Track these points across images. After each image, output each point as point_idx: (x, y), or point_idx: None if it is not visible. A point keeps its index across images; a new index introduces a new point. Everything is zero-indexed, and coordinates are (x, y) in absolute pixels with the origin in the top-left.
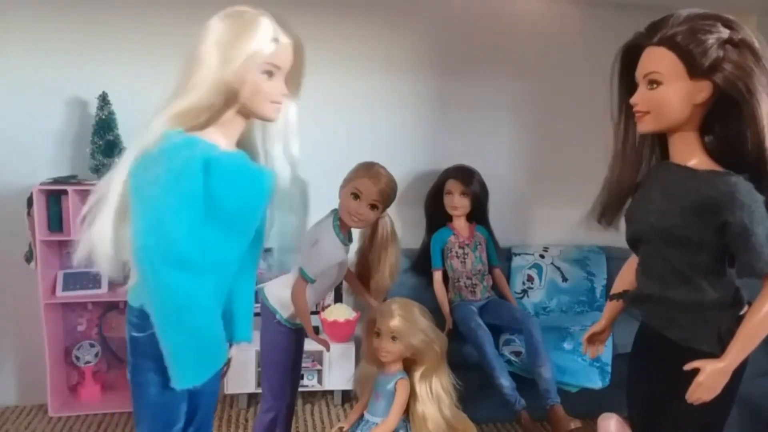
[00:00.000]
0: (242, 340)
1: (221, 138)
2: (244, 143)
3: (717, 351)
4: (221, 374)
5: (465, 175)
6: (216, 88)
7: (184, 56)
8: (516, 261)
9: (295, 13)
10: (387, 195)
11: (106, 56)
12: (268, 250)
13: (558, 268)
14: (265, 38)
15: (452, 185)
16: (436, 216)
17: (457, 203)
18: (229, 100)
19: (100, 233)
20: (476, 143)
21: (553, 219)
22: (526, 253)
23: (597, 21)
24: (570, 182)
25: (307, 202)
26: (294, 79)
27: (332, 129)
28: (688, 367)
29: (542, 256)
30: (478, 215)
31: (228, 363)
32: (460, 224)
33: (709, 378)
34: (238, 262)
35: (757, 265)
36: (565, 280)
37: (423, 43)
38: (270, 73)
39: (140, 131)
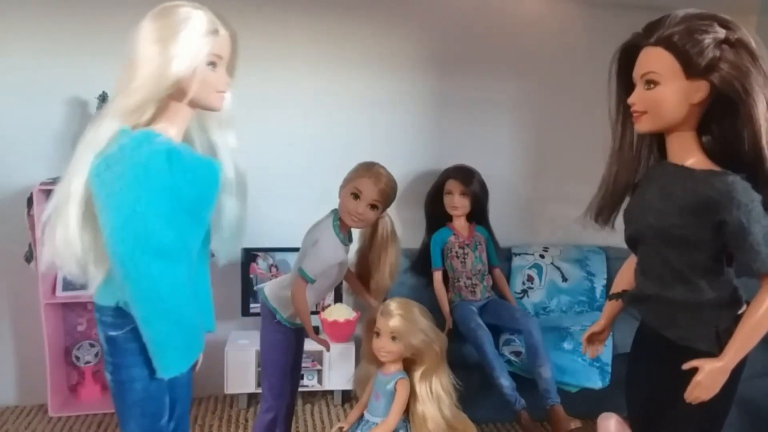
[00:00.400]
0: (209, 330)
1: (172, 130)
2: (187, 136)
3: (715, 350)
4: (193, 365)
5: (465, 175)
6: (162, 84)
7: (124, 57)
8: (516, 261)
9: (296, 13)
10: (387, 195)
11: (106, 56)
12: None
13: (558, 268)
14: (205, 31)
15: (452, 185)
16: (436, 216)
17: (457, 203)
18: (177, 94)
19: (66, 236)
20: (476, 143)
21: (553, 219)
22: (526, 253)
23: (597, 21)
24: (570, 182)
25: (246, 191)
26: (232, 68)
27: (332, 129)
28: (686, 366)
29: (542, 256)
30: (478, 215)
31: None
32: (460, 224)
33: (707, 377)
34: (197, 251)
35: (754, 264)
36: (565, 280)
37: (423, 43)
38: (213, 64)
39: (88, 132)
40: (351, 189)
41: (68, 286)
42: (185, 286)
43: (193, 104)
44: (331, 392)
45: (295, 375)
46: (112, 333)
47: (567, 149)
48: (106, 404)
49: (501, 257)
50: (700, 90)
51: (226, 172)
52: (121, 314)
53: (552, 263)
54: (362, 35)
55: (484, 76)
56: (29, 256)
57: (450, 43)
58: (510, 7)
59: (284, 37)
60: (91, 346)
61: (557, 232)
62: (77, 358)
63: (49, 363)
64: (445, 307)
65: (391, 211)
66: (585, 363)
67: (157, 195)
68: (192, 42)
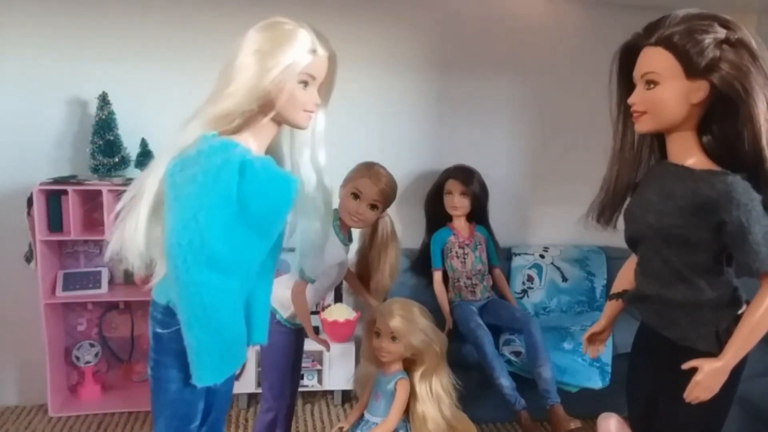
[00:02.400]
0: (258, 342)
1: (253, 143)
2: (272, 149)
3: (715, 350)
4: (236, 375)
5: (465, 175)
6: (253, 95)
7: (223, 64)
8: (516, 261)
9: (295, 14)
10: (387, 195)
11: (106, 56)
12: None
13: (558, 268)
14: (304, 49)
15: (452, 185)
16: (436, 216)
17: (457, 203)
18: (265, 107)
19: (133, 229)
20: (476, 143)
21: (553, 219)
22: (526, 253)
23: (597, 21)
24: (570, 182)
25: (330, 209)
26: (325, 90)
27: (332, 129)
28: (686, 366)
29: (542, 256)
30: (478, 215)
31: (243, 364)
32: (460, 224)
33: (707, 377)
34: (260, 265)
35: (754, 264)
36: (565, 280)
37: (423, 43)
38: (306, 83)
39: (176, 133)
40: (351, 189)
41: (68, 286)
42: (233, 298)
43: (280, 120)
44: (331, 392)
45: (295, 375)
46: (159, 330)
47: (567, 149)
48: (106, 404)
49: (501, 257)
50: (700, 90)
51: (305, 189)
52: (170, 313)
53: (552, 263)
54: (362, 36)
55: (484, 76)
56: (29, 256)
57: (450, 44)
58: (510, 7)
59: None
60: (91, 346)
61: (557, 232)
62: (77, 358)
63: (49, 363)
64: (445, 307)
65: (391, 211)
66: (585, 363)
67: (222, 205)
68: (287, 58)
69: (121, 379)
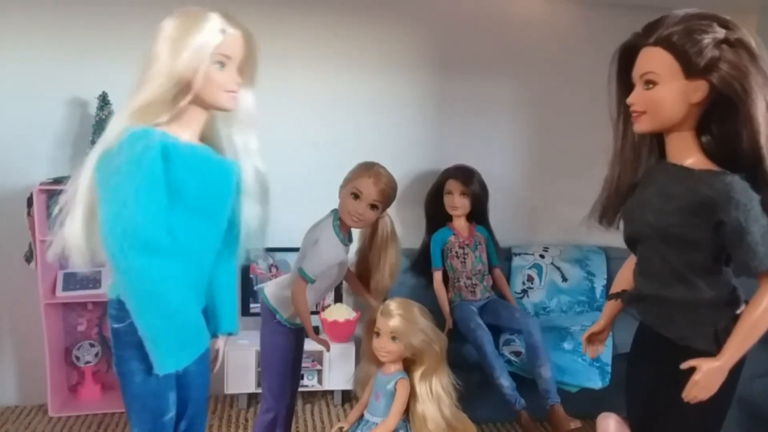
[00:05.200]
0: (228, 332)
1: (182, 131)
2: (209, 138)
3: (713, 350)
4: (210, 368)
5: (465, 175)
6: (169, 81)
7: (141, 57)
8: (516, 261)
9: (296, 13)
10: (387, 195)
11: (106, 56)
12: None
13: (558, 268)
14: (212, 30)
15: (452, 185)
16: (436, 216)
17: (457, 203)
18: (182, 90)
19: (72, 229)
20: (476, 143)
21: (553, 219)
22: (526, 253)
23: (597, 21)
24: (570, 182)
25: (268, 193)
26: (248, 70)
27: (332, 129)
28: (684, 365)
29: (542, 256)
30: (478, 215)
31: (216, 355)
32: (460, 224)
33: (705, 377)
34: (214, 252)
35: (752, 263)
36: (565, 280)
37: (423, 43)
38: (222, 64)
39: (104, 131)
40: (351, 189)
41: (68, 286)
42: (177, 281)
43: (204, 104)
44: (331, 392)
45: (295, 375)
46: (115, 325)
47: (567, 149)
48: (106, 404)
49: (501, 257)
50: (699, 90)
51: (244, 174)
52: (122, 307)
53: (552, 263)
54: (362, 36)
55: (484, 76)
56: (29, 256)
57: (450, 44)
58: (510, 7)
59: (283, 38)
60: (91, 346)
61: (557, 232)
62: (77, 358)
63: (49, 363)
64: (445, 307)
65: (391, 211)
66: (585, 363)
67: (149, 189)
68: (196, 40)
69: None
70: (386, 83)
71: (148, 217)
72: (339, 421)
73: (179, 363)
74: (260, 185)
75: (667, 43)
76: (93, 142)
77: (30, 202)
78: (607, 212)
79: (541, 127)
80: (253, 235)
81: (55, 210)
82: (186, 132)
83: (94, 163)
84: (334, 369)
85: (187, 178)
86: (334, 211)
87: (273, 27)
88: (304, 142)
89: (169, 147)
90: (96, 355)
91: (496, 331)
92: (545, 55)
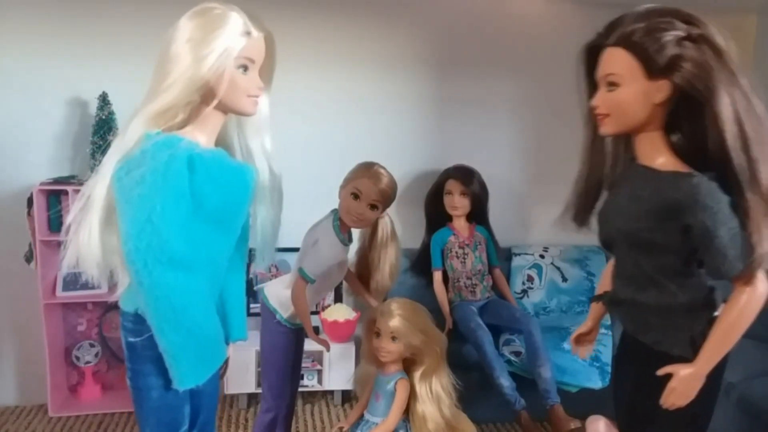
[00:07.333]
0: (238, 339)
1: (201, 135)
2: (221, 140)
3: (690, 355)
4: (220, 374)
5: (465, 175)
6: (192, 86)
7: (156, 58)
8: (516, 261)
9: (295, 15)
10: (387, 195)
11: (106, 56)
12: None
13: (558, 268)
14: (237, 32)
15: (452, 185)
16: (436, 216)
17: (457, 203)
18: (207, 96)
19: (87, 239)
20: (476, 143)
21: (553, 219)
22: (526, 253)
23: (597, 21)
24: (570, 182)
25: (282, 196)
26: (267, 72)
27: (332, 129)
28: (660, 372)
29: (542, 256)
30: (478, 215)
31: (226, 363)
32: (460, 224)
33: (681, 384)
34: (228, 260)
35: (722, 267)
36: (565, 280)
37: (423, 43)
38: (245, 67)
39: (118, 134)
40: (351, 189)
41: (68, 286)
42: (202, 296)
43: (224, 108)
44: (331, 392)
45: (295, 375)
46: (132, 339)
47: (567, 149)
48: (106, 404)
49: (501, 257)
50: (661, 90)
51: (260, 178)
52: (141, 321)
53: (552, 263)
54: (362, 36)
55: (484, 76)
56: (29, 256)
57: (450, 44)
58: (510, 7)
59: (283, 38)
60: (91, 346)
61: (557, 232)
62: (77, 358)
63: (49, 363)
64: (445, 307)
65: (391, 211)
66: (585, 363)
67: (174, 202)
68: (221, 43)
69: (121, 379)
70: (386, 83)
71: (173, 231)
72: (339, 421)
73: (200, 378)
74: (273, 189)
75: (627, 43)
76: (93, 142)
77: (30, 202)
78: (579, 212)
79: (541, 127)
80: (269, 240)
81: (69, 216)
82: (203, 135)
83: (112, 170)
84: (334, 369)
85: (211, 190)
86: (334, 211)
87: (273, 27)
88: (304, 142)
89: (195, 158)
90: (96, 355)
91: (496, 331)
92: (545, 55)
